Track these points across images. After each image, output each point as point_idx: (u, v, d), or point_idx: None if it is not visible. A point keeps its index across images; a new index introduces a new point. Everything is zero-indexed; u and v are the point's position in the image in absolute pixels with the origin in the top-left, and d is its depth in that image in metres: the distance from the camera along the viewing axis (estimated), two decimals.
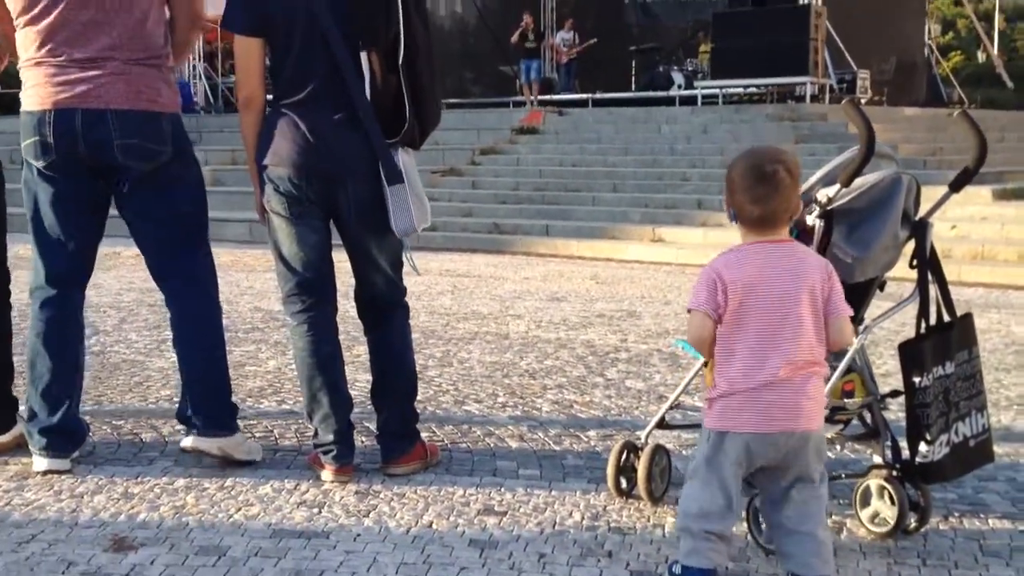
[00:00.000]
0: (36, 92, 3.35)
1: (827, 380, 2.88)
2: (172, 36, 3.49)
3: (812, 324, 2.45)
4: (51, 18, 3.30)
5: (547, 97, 19.19)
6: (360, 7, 3.17)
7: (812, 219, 2.92)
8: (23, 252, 3.68)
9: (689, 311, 2.50)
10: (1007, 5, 47.93)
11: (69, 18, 3.30)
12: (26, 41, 3.37)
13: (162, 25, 3.45)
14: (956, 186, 3.15)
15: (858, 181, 2.91)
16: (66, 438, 3.49)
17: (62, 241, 3.44)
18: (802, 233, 2.88)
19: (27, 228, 3.48)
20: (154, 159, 3.39)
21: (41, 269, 3.48)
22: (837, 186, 2.88)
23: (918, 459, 2.92)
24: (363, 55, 3.20)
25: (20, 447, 3.62)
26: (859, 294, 3.07)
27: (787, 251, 2.49)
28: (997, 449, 3.32)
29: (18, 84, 3.67)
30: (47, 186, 3.41)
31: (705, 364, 2.63)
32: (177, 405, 3.73)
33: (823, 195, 2.89)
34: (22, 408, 3.62)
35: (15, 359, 3.79)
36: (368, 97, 3.23)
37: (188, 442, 3.50)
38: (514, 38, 19.46)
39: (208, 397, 3.50)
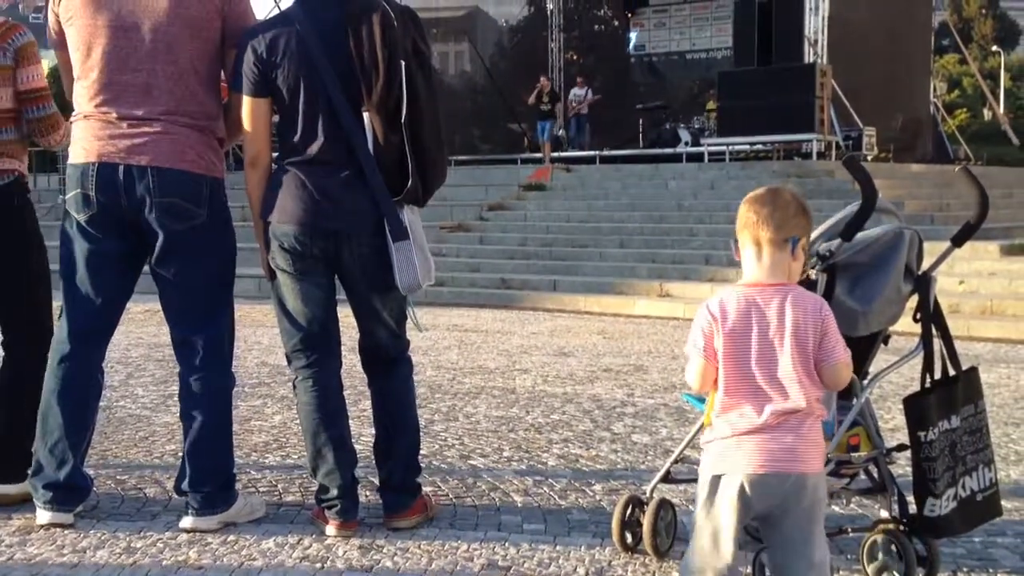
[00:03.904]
0: (82, 145, 3.39)
1: (830, 433, 2.87)
2: (227, 117, 3.50)
3: (802, 371, 2.43)
4: (104, 75, 3.36)
5: (556, 154, 19.37)
6: (361, 68, 3.21)
7: (815, 273, 2.93)
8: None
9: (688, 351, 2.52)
10: (1012, 64, 48.40)
11: (119, 78, 3.35)
12: (79, 94, 3.43)
13: (215, 95, 3.47)
14: (958, 240, 3.15)
15: (860, 236, 2.92)
16: (70, 493, 3.48)
17: (90, 296, 3.44)
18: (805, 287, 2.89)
19: (57, 282, 3.49)
20: (189, 220, 3.38)
21: (65, 324, 3.48)
22: (838, 240, 2.90)
23: (925, 513, 2.90)
24: (365, 115, 3.25)
25: (26, 501, 3.61)
26: (863, 348, 3.07)
27: (780, 294, 2.47)
28: (1006, 504, 3.30)
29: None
30: (83, 240, 3.43)
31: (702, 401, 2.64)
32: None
33: (824, 249, 2.91)
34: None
35: None
36: (372, 155, 3.26)
37: (187, 523, 3.43)
38: (531, 99, 19.70)
39: (208, 476, 3.44)
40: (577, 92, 21.23)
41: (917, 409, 2.94)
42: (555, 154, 19.31)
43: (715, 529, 2.45)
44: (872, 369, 3.15)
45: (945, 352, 3.02)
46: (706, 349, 2.46)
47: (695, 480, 3.52)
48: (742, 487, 2.41)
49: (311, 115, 3.28)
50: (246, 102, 3.35)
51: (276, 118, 3.42)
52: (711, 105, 20.24)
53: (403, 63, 3.23)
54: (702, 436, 2.58)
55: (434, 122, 3.34)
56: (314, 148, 3.30)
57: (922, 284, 3.05)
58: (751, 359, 2.44)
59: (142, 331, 8.40)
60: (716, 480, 2.46)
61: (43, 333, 3.75)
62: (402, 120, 3.25)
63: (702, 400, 3.13)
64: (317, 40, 3.24)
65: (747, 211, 2.52)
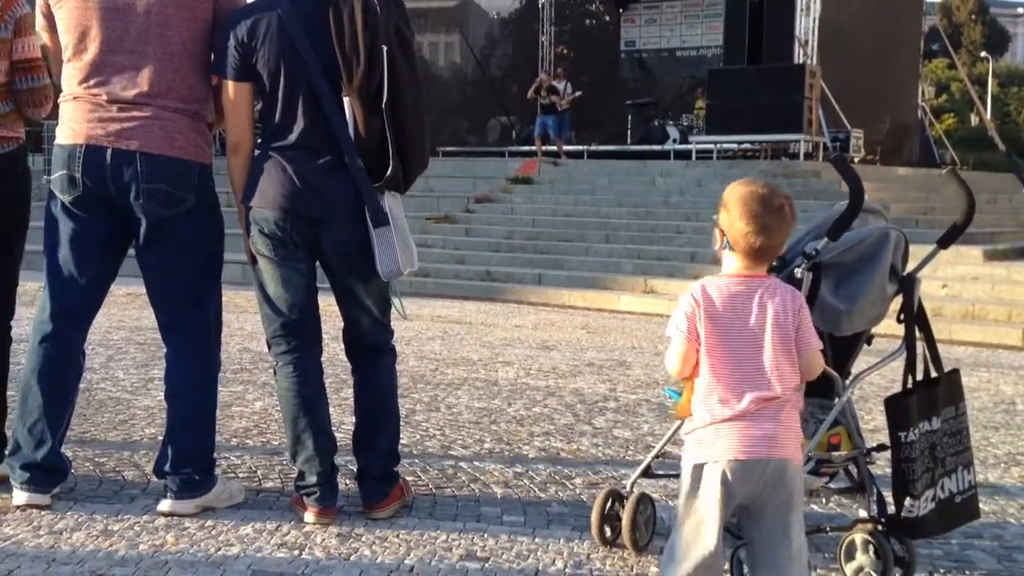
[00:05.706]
0: (70, 127, 3.36)
1: (810, 430, 2.88)
2: (216, 100, 3.47)
3: (784, 356, 2.47)
4: (94, 56, 3.33)
5: (544, 148, 19.27)
6: (342, 53, 3.19)
7: (800, 272, 2.93)
8: (31, 287, 3.66)
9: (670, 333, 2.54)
10: (1000, 70, 48.67)
11: (111, 60, 3.32)
12: (69, 76, 3.40)
13: (205, 77, 3.44)
14: (944, 242, 3.16)
15: (846, 236, 2.93)
16: (48, 474, 3.45)
17: (73, 277, 3.42)
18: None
19: (42, 262, 3.46)
20: (176, 206, 3.36)
21: (47, 304, 3.45)
22: (825, 239, 2.90)
23: (903, 514, 2.91)
24: (345, 99, 3.23)
25: (3, 482, 3.58)
26: (847, 347, 3.07)
27: (761, 286, 2.52)
28: (984, 507, 3.31)
29: (38, 122, 3.70)
30: (68, 221, 3.40)
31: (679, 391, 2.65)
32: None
33: (811, 248, 2.91)
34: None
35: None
36: (352, 141, 3.25)
37: (165, 506, 3.42)
38: (530, 93, 19.57)
39: (189, 459, 3.43)
40: (556, 86, 21.09)
41: (898, 410, 2.94)
42: (545, 147, 19.22)
43: (699, 519, 2.46)
44: (854, 369, 3.15)
45: (928, 354, 3.03)
46: (689, 332, 2.49)
47: (675, 475, 3.53)
48: (724, 474, 2.43)
49: (292, 100, 3.26)
50: (228, 86, 3.33)
51: (259, 104, 3.40)
52: (700, 103, 20.23)
53: (385, 48, 3.21)
54: (682, 428, 2.59)
55: (415, 108, 3.32)
56: (295, 133, 3.28)
57: (907, 285, 3.06)
58: (734, 347, 2.46)
59: (124, 314, 8.35)
60: (698, 469, 2.47)
61: (8, 310, 3.72)
62: (383, 105, 3.23)
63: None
64: (299, 24, 3.22)
65: (753, 231, 2.49)
